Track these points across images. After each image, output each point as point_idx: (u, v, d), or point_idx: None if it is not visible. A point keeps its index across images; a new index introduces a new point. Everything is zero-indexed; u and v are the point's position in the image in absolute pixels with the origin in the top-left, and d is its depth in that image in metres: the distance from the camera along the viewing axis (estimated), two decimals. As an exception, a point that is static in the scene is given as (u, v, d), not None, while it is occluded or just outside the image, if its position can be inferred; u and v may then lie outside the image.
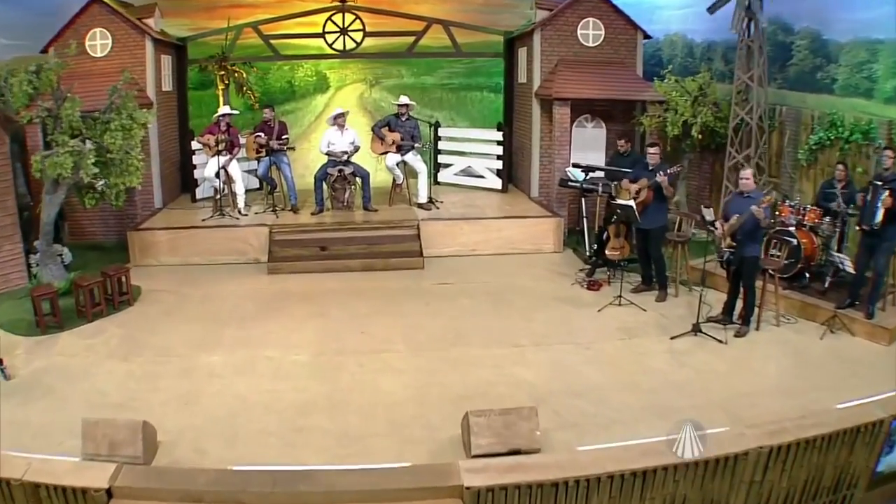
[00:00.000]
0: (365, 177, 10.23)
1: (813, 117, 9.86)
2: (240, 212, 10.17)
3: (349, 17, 11.88)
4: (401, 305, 7.92)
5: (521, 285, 8.62)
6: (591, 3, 10.85)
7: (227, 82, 11.63)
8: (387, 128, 10.50)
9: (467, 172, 12.22)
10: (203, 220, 9.82)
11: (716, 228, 7.08)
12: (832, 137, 9.54)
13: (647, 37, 11.22)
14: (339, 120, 10.11)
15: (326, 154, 10.20)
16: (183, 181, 11.71)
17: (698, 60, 12.21)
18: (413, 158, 10.51)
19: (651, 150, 8.18)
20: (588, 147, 11.18)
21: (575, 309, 7.86)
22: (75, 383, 6.10)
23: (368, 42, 12.13)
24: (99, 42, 10.39)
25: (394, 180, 10.82)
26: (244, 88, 11.83)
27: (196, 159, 10.92)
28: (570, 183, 9.81)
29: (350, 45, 12.00)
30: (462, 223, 9.77)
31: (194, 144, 10.64)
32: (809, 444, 5.47)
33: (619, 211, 8.03)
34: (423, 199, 10.51)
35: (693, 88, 10.75)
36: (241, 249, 9.46)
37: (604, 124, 11.29)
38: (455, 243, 9.73)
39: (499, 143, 11.67)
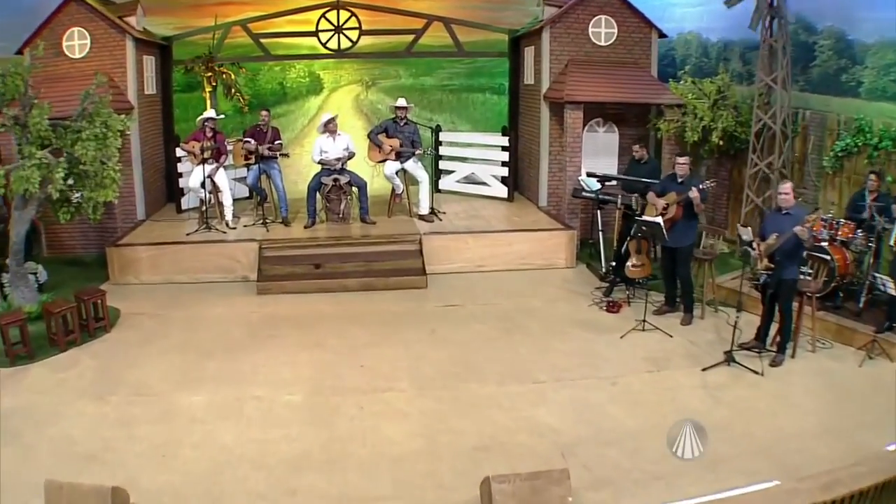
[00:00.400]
0: (362, 186, 9.57)
1: (839, 122, 9.25)
2: (227, 224, 9.50)
3: (344, 15, 11.16)
4: (404, 332, 7.25)
5: (534, 307, 7.98)
6: (603, -1, 10.22)
7: (214, 84, 10.95)
8: (384, 134, 9.84)
9: (470, 179, 11.58)
10: (188, 234, 9.14)
11: (753, 249, 6.46)
12: (860, 144, 8.96)
13: (661, 35, 10.59)
14: (329, 126, 9.44)
15: (319, 163, 9.53)
16: (168, 190, 11.03)
17: (714, 61, 11.58)
18: (413, 166, 9.86)
19: (680, 160, 7.56)
20: (600, 153, 10.56)
21: (595, 335, 7.23)
22: (44, 428, 5.45)
23: (365, 41, 11.41)
24: (77, 42, 9.69)
25: (393, 190, 10.15)
26: (233, 91, 11.16)
27: (181, 167, 10.25)
28: (583, 193, 9.18)
29: (345, 44, 11.30)
30: (467, 237, 9.11)
31: (179, 151, 9.96)
32: (864, 494, 5.01)
33: (644, 228, 7.39)
34: (424, 210, 9.85)
35: (711, 91, 10.15)
36: (228, 267, 8.79)
37: (616, 129, 10.66)
38: (460, 259, 9.08)
39: (504, 148, 11.05)
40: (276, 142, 9.65)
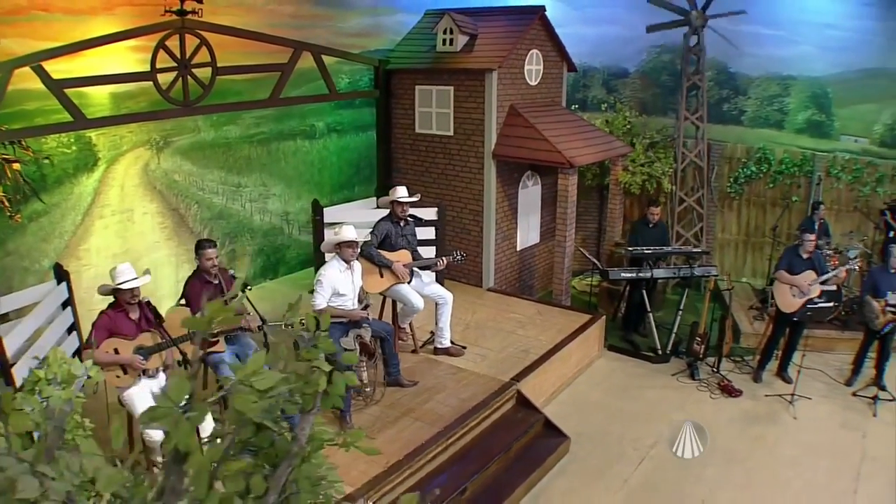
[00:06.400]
0: (390, 335, 6.46)
1: (748, 151, 10.39)
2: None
3: (191, 43, 7.05)
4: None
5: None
6: (535, 30, 8.93)
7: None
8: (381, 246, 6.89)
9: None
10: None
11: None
12: (763, 171, 10.30)
13: (571, 69, 9.82)
14: (348, 252, 6.06)
15: (332, 315, 6.04)
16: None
17: (570, 88, 11.41)
18: (423, 283, 7.16)
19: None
20: (530, 209, 9.56)
21: (782, 431, 6.88)
22: None
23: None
24: None
25: (394, 321, 7.17)
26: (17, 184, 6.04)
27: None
28: (622, 274, 8.15)
29: (195, 90, 7.20)
30: (548, 364, 7.16)
31: (88, 368, 4.97)
32: None
33: (809, 314, 7.14)
34: (446, 340, 7.27)
35: (620, 125, 10.14)
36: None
37: (540, 181, 9.70)
38: (541, 395, 7.10)
39: (430, 222, 8.81)
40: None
